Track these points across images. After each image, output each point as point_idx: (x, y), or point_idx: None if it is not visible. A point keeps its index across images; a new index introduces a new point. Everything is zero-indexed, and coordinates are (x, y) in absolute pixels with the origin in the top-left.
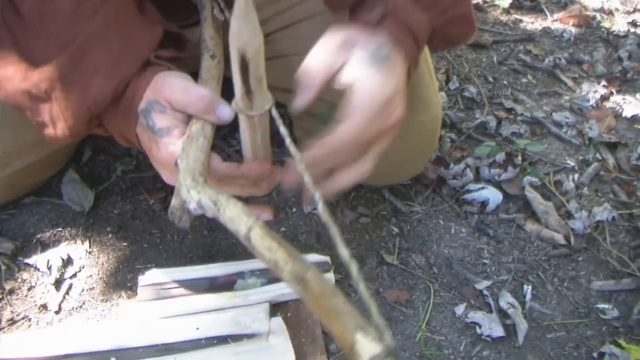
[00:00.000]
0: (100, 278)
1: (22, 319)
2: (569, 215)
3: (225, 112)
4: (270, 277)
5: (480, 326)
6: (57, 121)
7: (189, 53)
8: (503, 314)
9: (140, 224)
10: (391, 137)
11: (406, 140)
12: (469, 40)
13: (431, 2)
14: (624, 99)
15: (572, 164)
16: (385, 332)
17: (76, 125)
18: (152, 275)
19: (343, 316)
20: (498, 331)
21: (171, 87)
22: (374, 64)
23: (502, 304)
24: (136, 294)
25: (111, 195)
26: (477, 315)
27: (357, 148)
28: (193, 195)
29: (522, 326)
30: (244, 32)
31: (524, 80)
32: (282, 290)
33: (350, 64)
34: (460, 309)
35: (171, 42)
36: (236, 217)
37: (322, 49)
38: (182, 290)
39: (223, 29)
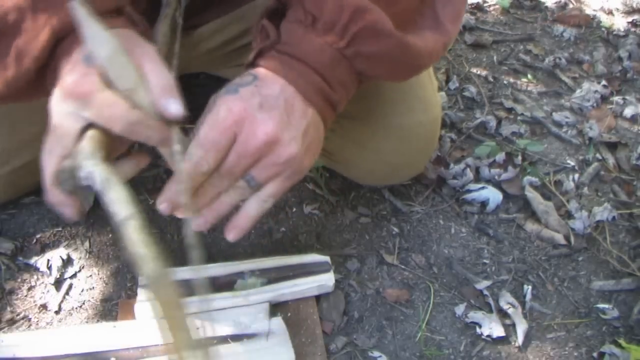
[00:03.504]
0: (100, 278)
1: (22, 319)
2: (569, 215)
3: (174, 105)
4: (270, 277)
5: (480, 326)
6: (22, 55)
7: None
8: (503, 314)
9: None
10: (285, 170)
11: (406, 140)
12: (416, 62)
13: (328, 25)
14: (624, 99)
15: (572, 163)
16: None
17: (41, 56)
18: None
19: (182, 331)
20: (498, 331)
21: (149, 54)
22: (226, 93)
23: (502, 304)
24: (136, 294)
25: None
26: (477, 315)
27: (227, 175)
28: (88, 164)
29: (522, 326)
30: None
31: (524, 80)
32: (282, 290)
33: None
34: (460, 309)
35: None
36: (119, 202)
37: None
38: (182, 290)
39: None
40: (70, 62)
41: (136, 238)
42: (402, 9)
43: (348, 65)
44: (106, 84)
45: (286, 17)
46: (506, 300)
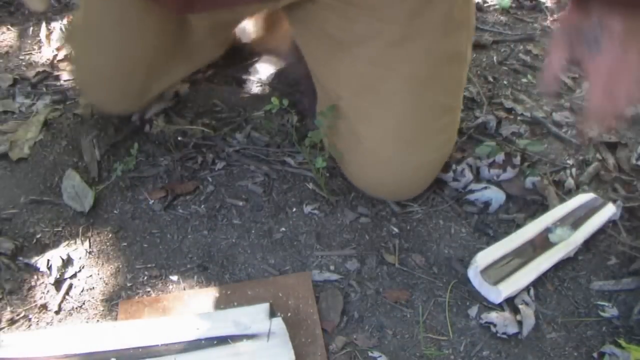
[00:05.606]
0: (100, 278)
1: (22, 318)
2: None
3: None
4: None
5: (482, 326)
6: None
7: None
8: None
9: (140, 224)
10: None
11: (414, 173)
12: None
13: None
14: None
15: (572, 163)
16: None
17: None
18: None
19: None
20: (512, 328)
21: None
22: (591, 50)
23: (517, 302)
24: (136, 294)
25: (111, 195)
26: (490, 316)
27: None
28: None
29: (530, 320)
30: None
31: (524, 80)
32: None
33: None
34: (473, 310)
35: None
36: None
37: (555, 49)
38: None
39: None
40: None
41: None
42: None
43: None
44: None
45: None
46: (521, 299)
